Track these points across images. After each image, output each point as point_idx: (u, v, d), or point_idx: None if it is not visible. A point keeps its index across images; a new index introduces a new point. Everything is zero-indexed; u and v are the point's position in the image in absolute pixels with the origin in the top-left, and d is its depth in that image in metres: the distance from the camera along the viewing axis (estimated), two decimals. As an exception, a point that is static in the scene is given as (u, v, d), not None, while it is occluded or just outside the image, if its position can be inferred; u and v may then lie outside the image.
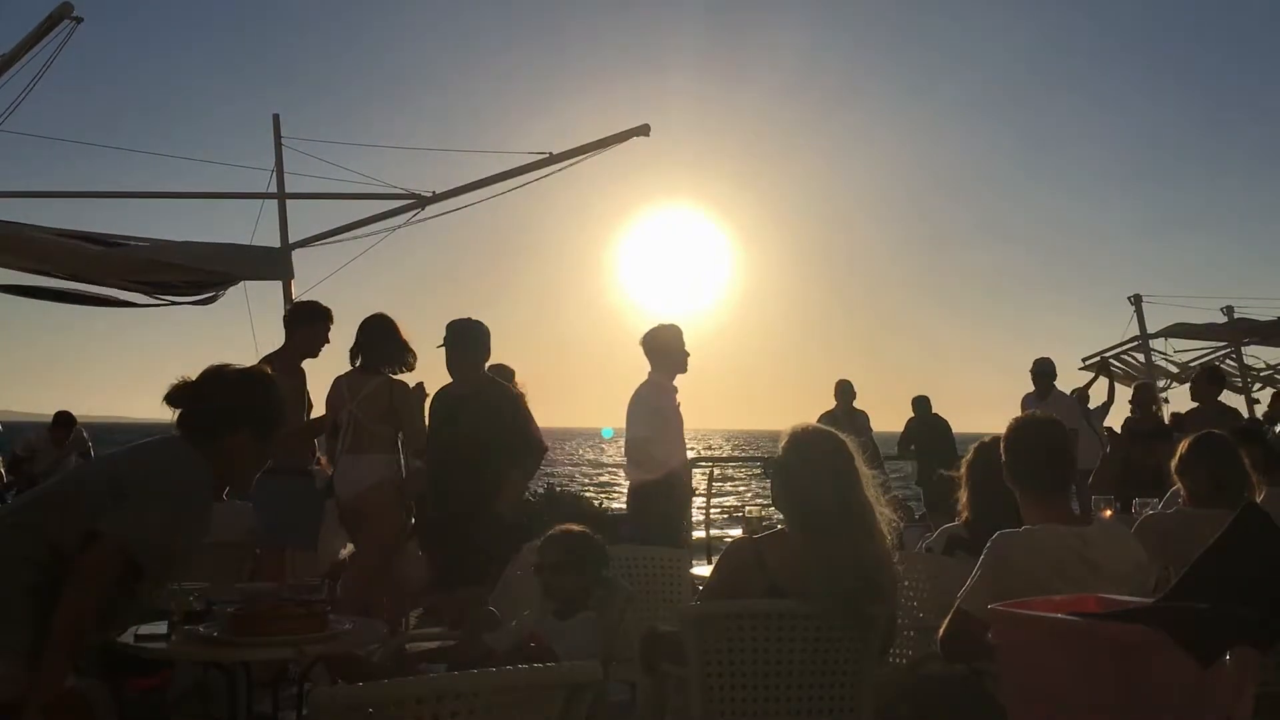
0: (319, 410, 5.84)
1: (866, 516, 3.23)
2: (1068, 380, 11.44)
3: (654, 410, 6.13)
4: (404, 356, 5.65)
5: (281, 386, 5.85)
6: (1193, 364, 13.93)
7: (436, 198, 8.84)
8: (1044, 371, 9.78)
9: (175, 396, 3.08)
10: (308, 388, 5.87)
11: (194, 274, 7.73)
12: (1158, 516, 4.29)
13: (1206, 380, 9.10)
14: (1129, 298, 13.41)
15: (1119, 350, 13.70)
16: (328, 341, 5.82)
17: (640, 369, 6.26)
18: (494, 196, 8.79)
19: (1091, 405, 10.82)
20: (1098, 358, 13.00)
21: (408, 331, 5.76)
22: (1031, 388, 9.85)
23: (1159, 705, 2.27)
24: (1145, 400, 9.82)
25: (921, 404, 11.32)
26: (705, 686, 3.15)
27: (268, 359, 5.80)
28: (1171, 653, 2.18)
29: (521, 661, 2.55)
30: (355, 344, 5.68)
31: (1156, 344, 13.55)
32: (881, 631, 3.24)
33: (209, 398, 3.06)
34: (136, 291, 7.73)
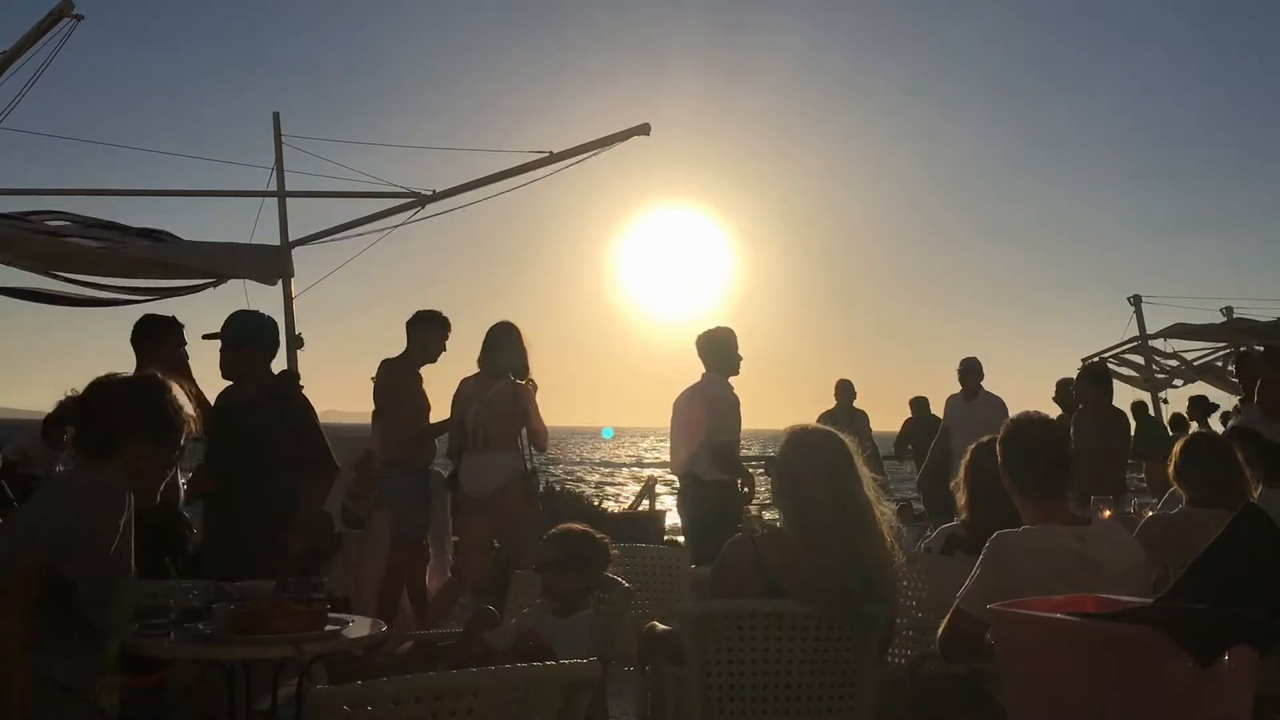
0: (437, 413, 6.19)
1: (865, 516, 3.23)
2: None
3: (736, 413, 6.39)
4: (526, 362, 5.97)
5: (391, 391, 6.02)
6: (1193, 364, 13.93)
7: (436, 196, 8.84)
8: (971, 369, 9.38)
9: (65, 415, 2.99)
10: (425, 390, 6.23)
11: (193, 273, 7.73)
12: (1160, 518, 4.29)
13: (1088, 380, 8.25)
14: (1129, 298, 13.39)
15: (1118, 350, 13.70)
16: (444, 349, 6.17)
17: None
18: (494, 196, 8.79)
19: None
20: (1097, 358, 13.00)
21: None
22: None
23: (1158, 705, 2.27)
24: (1066, 401, 9.38)
25: (920, 404, 11.32)
26: (704, 686, 3.14)
27: (387, 364, 6.19)
28: (1171, 653, 2.18)
29: (521, 660, 2.55)
30: (483, 349, 6.03)
31: (1156, 344, 13.55)
32: (880, 631, 3.24)
33: (97, 412, 2.97)
34: (133, 291, 7.72)
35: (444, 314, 6.21)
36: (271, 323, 4.78)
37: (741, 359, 6.51)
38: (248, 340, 4.64)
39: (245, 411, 4.51)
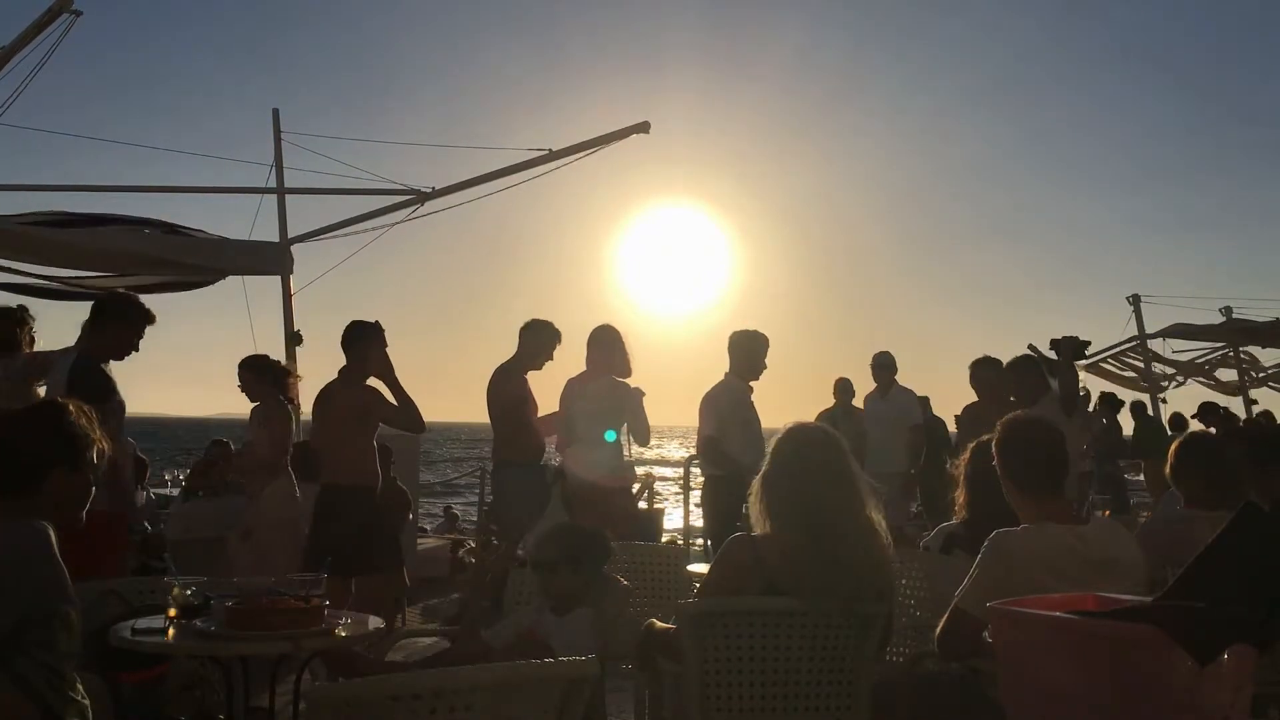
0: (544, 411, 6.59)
1: (862, 515, 3.23)
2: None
3: (723, 411, 6.63)
4: (628, 363, 6.38)
5: (506, 393, 6.35)
6: (1193, 363, 13.95)
7: (436, 193, 8.86)
8: (883, 364, 9.17)
9: None
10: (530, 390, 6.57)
11: (193, 269, 7.74)
12: (1160, 518, 4.29)
13: (985, 365, 7.06)
14: (1128, 298, 13.42)
15: (1118, 350, 13.72)
16: (551, 359, 6.52)
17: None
18: (494, 193, 8.82)
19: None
20: (1096, 358, 13.02)
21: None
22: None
23: (1157, 704, 2.27)
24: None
25: (922, 405, 11.27)
26: (702, 684, 3.13)
27: (501, 369, 6.51)
28: (1170, 651, 2.18)
29: (519, 658, 2.55)
30: (588, 350, 6.44)
31: (1155, 344, 13.56)
32: (879, 630, 3.24)
33: (3, 450, 2.79)
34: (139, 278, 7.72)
35: (554, 324, 6.56)
36: None
37: (765, 366, 6.76)
38: None
39: None
